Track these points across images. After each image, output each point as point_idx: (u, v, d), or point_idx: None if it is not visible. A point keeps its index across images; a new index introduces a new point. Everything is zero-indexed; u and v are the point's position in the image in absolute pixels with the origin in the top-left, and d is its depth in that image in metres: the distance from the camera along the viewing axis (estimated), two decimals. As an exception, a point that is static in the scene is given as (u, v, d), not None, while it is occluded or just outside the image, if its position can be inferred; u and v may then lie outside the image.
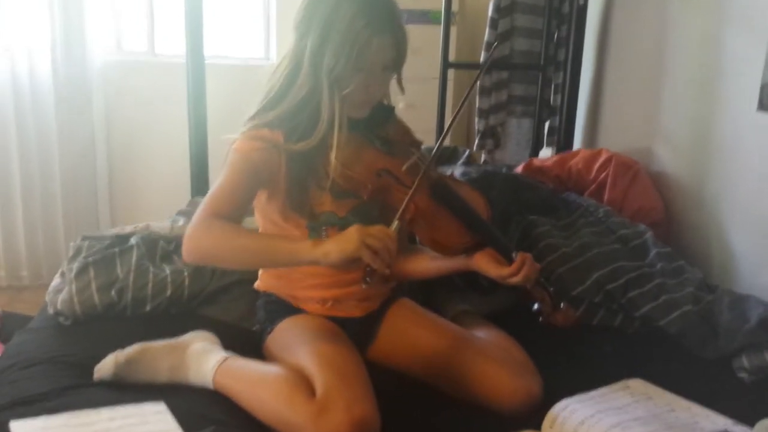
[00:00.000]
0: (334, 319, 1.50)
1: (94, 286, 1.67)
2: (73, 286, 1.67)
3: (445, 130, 1.44)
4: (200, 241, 1.32)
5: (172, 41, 3.39)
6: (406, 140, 1.52)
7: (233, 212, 1.36)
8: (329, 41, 1.33)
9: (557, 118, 2.88)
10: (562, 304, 1.42)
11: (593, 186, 2.34)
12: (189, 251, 1.33)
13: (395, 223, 1.27)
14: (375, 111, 1.46)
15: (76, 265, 1.71)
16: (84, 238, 1.81)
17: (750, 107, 1.96)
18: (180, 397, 1.33)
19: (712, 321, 1.71)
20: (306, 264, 1.39)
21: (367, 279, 1.25)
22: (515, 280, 1.36)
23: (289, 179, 1.41)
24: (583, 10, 2.71)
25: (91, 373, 1.39)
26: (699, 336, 1.69)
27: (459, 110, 1.42)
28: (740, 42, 2.05)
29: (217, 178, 1.40)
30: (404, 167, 1.40)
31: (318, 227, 1.47)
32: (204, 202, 1.36)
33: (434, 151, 1.44)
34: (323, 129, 1.37)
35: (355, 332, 1.50)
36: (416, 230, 1.41)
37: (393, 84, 1.48)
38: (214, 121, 2.18)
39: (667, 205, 2.32)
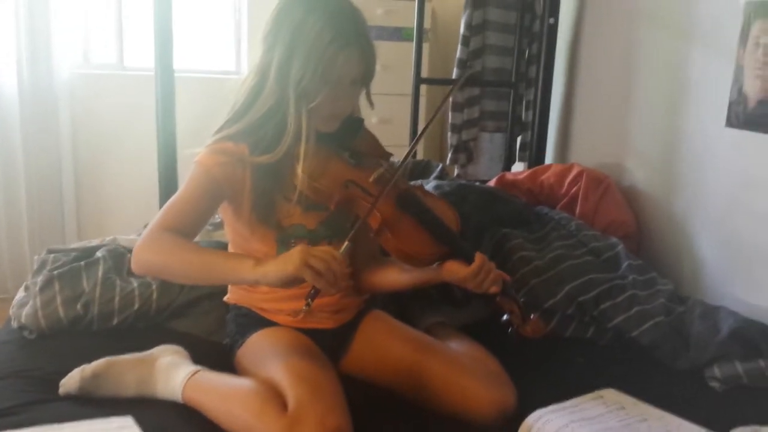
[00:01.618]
0: (306, 331, 1.48)
1: (59, 299, 1.64)
2: (38, 300, 1.63)
3: (415, 140, 1.44)
4: (147, 253, 1.31)
5: (142, 54, 3.35)
6: (376, 152, 1.51)
7: (187, 227, 1.34)
8: (296, 55, 1.32)
9: (529, 134, 2.90)
10: (531, 315, 1.42)
11: (565, 200, 2.36)
12: (137, 263, 1.32)
13: (345, 245, 1.27)
14: (344, 123, 1.45)
15: (40, 279, 1.67)
16: (49, 251, 1.77)
17: (718, 123, 2.00)
18: (148, 411, 1.30)
19: (683, 332, 1.72)
20: (248, 283, 1.42)
21: (309, 301, 1.22)
22: (479, 279, 1.36)
23: (255, 192, 1.40)
24: (553, 29, 2.74)
25: (57, 388, 1.35)
26: (671, 347, 1.70)
27: (429, 122, 1.42)
28: (707, 59, 2.09)
29: (177, 191, 1.39)
30: (371, 178, 1.40)
31: (287, 240, 1.46)
32: (159, 215, 1.34)
33: (402, 161, 1.43)
34: (288, 142, 1.36)
35: (327, 344, 1.49)
36: (383, 241, 1.40)
37: (363, 97, 1.47)
38: (184, 134, 2.15)
39: (637, 219, 2.35)
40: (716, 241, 2.06)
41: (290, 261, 1.20)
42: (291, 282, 1.22)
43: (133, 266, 1.33)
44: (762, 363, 1.61)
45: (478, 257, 1.37)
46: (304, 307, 1.23)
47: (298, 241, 1.46)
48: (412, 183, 1.67)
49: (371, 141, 1.53)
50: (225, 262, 1.31)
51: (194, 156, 1.40)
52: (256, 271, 1.23)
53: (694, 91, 2.15)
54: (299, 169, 1.35)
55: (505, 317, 1.42)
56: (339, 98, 1.38)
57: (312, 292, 1.23)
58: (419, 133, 1.46)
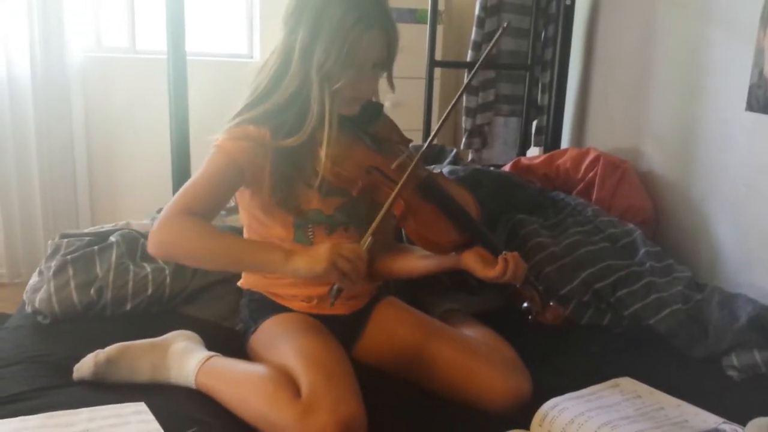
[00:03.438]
0: (319, 317, 1.47)
1: (72, 284, 1.64)
2: (52, 285, 1.63)
3: (437, 127, 1.42)
4: (169, 236, 1.30)
5: (154, 37, 3.34)
6: (395, 138, 1.51)
7: (206, 210, 1.34)
8: (320, 36, 1.31)
9: (545, 118, 2.87)
10: (551, 302, 1.41)
11: (581, 185, 2.33)
12: (156, 245, 1.31)
13: (369, 240, 1.27)
14: (364, 108, 1.44)
15: (54, 263, 1.67)
16: (63, 236, 1.77)
17: (738, 107, 1.96)
18: (161, 397, 1.30)
19: (701, 320, 1.70)
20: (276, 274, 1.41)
21: (333, 300, 1.26)
22: (503, 280, 1.35)
23: (275, 176, 1.39)
24: (570, 10, 2.71)
25: (70, 373, 1.35)
26: (688, 335, 1.68)
27: (450, 109, 1.40)
28: (727, 42, 2.05)
29: (195, 173, 1.37)
30: (394, 165, 1.39)
31: (304, 225, 1.45)
32: (177, 196, 1.33)
33: (423, 148, 1.42)
34: (312, 125, 1.35)
35: (341, 330, 1.48)
36: (406, 227, 1.40)
37: (382, 81, 1.46)
38: (196, 118, 2.15)
39: (655, 204, 2.32)
40: (735, 228, 2.03)
41: (318, 261, 1.22)
42: (318, 279, 1.25)
43: (151, 248, 1.32)
44: (781, 352, 1.58)
45: (501, 263, 1.35)
46: (329, 305, 1.27)
47: (315, 226, 1.46)
48: (429, 168, 1.66)
49: (391, 126, 1.53)
50: (255, 254, 1.32)
51: (214, 140, 1.39)
52: (285, 267, 1.26)
53: (714, 74, 2.11)
54: (322, 154, 1.34)
55: (525, 305, 1.40)
56: (361, 81, 1.37)
57: (335, 289, 1.25)
58: (438, 122, 1.44)
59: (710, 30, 2.12)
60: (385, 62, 1.39)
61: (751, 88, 1.92)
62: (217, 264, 1.40)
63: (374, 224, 1.29)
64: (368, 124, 1.45)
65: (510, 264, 1.35)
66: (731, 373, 1.59)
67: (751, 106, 1.93)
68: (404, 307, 1.58)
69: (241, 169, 1.37)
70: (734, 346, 1.61)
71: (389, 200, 1.31)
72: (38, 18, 3.00)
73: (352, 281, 1.23)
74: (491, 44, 1.50)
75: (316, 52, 1.32)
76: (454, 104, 1.40)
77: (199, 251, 1.30)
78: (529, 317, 1.41)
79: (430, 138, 1.45)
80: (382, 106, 1.51)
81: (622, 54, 2.58)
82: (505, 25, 1.57)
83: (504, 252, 1.37)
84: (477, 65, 1.51)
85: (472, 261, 1.39)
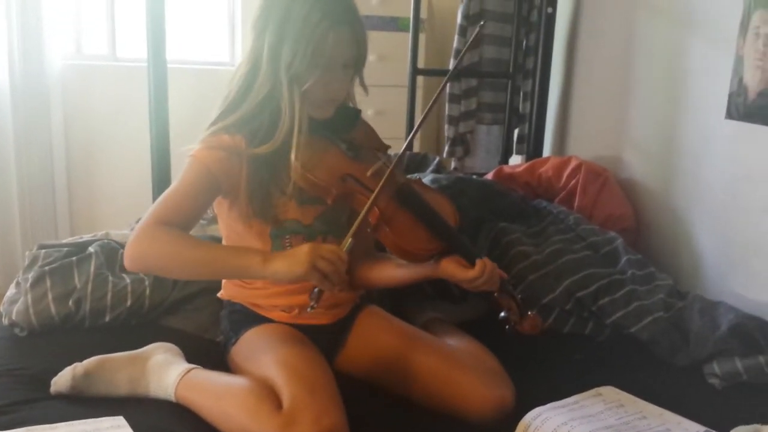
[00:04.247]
0: (300, 328, 1.46)
1: (50, 296, 1.61)
2: (29, 296, 1.60)
3: (412, 133, 1.41)
4: (144, 249, 1.28)
5: (134, 45, 3.31)
6: (373, 144, 1.49)
7: (182, 221, 1.32)
8: (286, 37, 1.31)
9: (526, 126, 2.88)
10: (529, 312, 1.40)
11: (563, 193, 2.34)
12: (132, 259, 1.29)
13: (348, 242, 1.25)
14: (340, 114, 1.43)
15: (32, 275, 1.65)
16: (40, 247, 1.74)
17: (718, 115, 1.98)
18: (140, 410, 1.28)
19: (682, 328, 1.71)
20: (255, 279, 1.40)
21: (313, 304, 1.23)
22: (479, 282, 1.34)
23: (251, 184, 1.38)
24: (551, 19, 2.72)
25: (48, 386, 1.33)
26: (670, 343, 1.69)
27: (426, 115, 1.39)
28: (707, 50, 2.07)
29: (171, 185, 1.36)
30: (369, 172, 1.37)
31: (282, 235, 1.43)
32: (152, 208, 1.31)
33: (399, 155, 1.41)
34: (285, 129, 1.34)
35: (323, 341, 1.46)
36: (381, 237, 1.37)
37: (359, 88, 1.45)
38: (177, 127, 2.13)
39: (636, 212, 2.33)
40: (715, 235, 2.04)
41: (299, 263, 1.20)
42: (298, 281, 1.24)
43: (126, 262, 1.30)
44: (762, 359, 1.59)
45: (479, 264, 1.34)
46: (309, 309, 1.23)
47: (293, 237, 1.44)
48: (410, 176, 1.65)
49: (369, 132, 1.51)
50: (233, 259, 1.30)
51: (189, 151, 1.38)
52: (264, 270, 1.23)
53: (694, 82, 2.13)
54: (293, 158, 1.33)
55: (502, 314, 1.40)
56: (331, 82, 1.37)
57: (316, 292, 1.22)
58: (417, 124, 1.43)
59: (690, 38, 2.14)
60: (356, 62, 1.39)
61: (730, 96, 1.94)
62: (196, 273, 1.38)
63: (354, 226, 1.27)
64: (345, 130, 1.44)
65: (488, 265, 1.34)
66: (713, 381, 1.59)
67: (730, 114, 1.94)
68: (387, 316, 1.57)
69: (216, 178, 1.36)
70: (715, 353, 1.61)
71: (366, 206, 1.29)
72: (17, 24, 2.96)
73: (332, 283, 1.21)
74: (469, 41, 1.49)
75: (283, 53, 1.31)
76: (430, 108, 1.39)
77: (175, 262, 1.29)
78: (507, 327, 1.40)
79: (405, 144, 1.44)
80: (359, 111, 1.50)
81: (603, 62, 2.59)
82: (482, 23, 1.55)
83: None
84: (455, 65, 1.50)
85: (451, 268, 1.37)
